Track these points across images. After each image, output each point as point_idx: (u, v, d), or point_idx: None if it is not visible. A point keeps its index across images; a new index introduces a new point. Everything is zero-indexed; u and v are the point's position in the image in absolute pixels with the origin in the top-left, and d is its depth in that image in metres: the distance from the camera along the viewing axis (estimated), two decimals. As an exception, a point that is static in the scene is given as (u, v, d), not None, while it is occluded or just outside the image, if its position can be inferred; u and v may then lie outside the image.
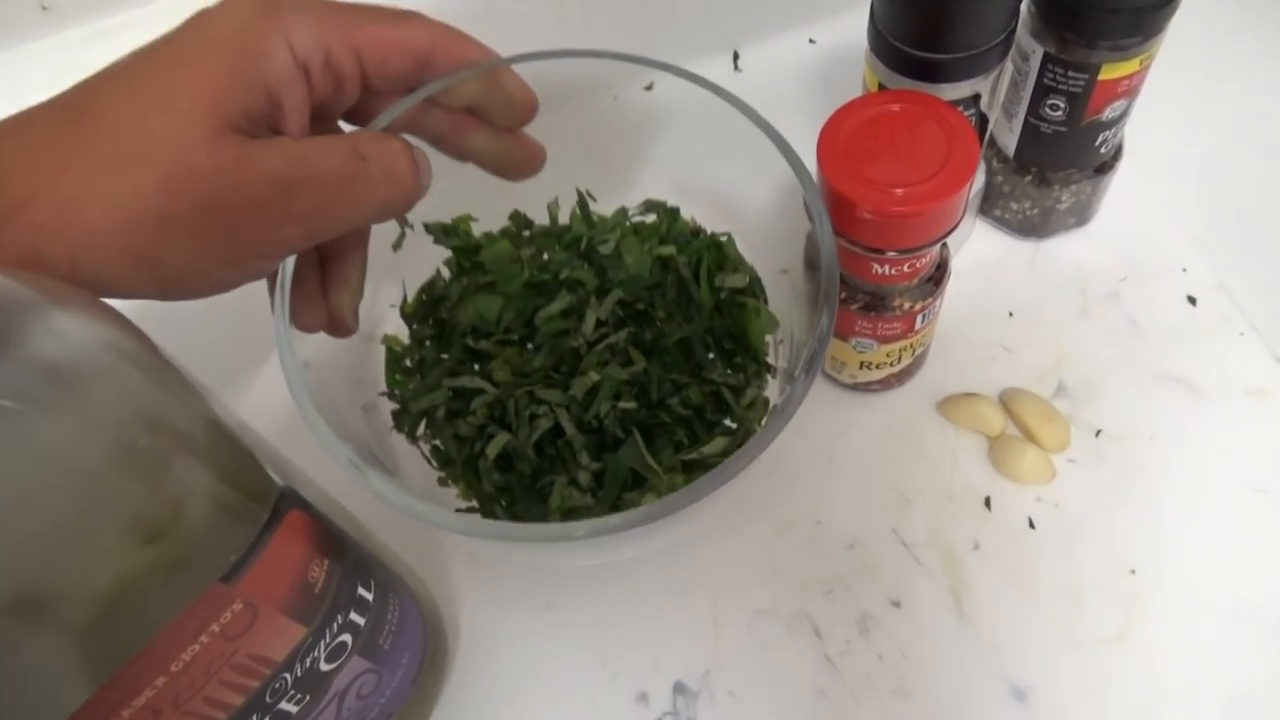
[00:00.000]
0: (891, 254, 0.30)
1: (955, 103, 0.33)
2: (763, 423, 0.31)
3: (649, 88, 0.33)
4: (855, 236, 0.30)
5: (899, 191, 0.28)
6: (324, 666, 0.25)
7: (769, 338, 0.34)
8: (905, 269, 0.31)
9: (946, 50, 0.31)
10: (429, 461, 0.33)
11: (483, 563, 0.37)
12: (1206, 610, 0.33)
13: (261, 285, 0.47)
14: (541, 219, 0.36)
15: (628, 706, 0.34)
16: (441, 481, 0.33)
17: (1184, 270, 0.40)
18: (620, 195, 0.36)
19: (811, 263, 0.34)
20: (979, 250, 0.42)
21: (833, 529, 0.36)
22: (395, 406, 0.33)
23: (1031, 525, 0.36)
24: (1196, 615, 0.33)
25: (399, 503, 0.26)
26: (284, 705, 0.24)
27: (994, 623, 0.34)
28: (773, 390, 0.34)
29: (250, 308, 0.45)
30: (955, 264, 0.35)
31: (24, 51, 0.39)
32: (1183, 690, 0.32)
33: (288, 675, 0.24)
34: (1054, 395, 0.38)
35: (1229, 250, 0.40)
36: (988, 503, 0.36)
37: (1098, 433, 0.37)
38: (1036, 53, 0.34)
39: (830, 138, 0.30)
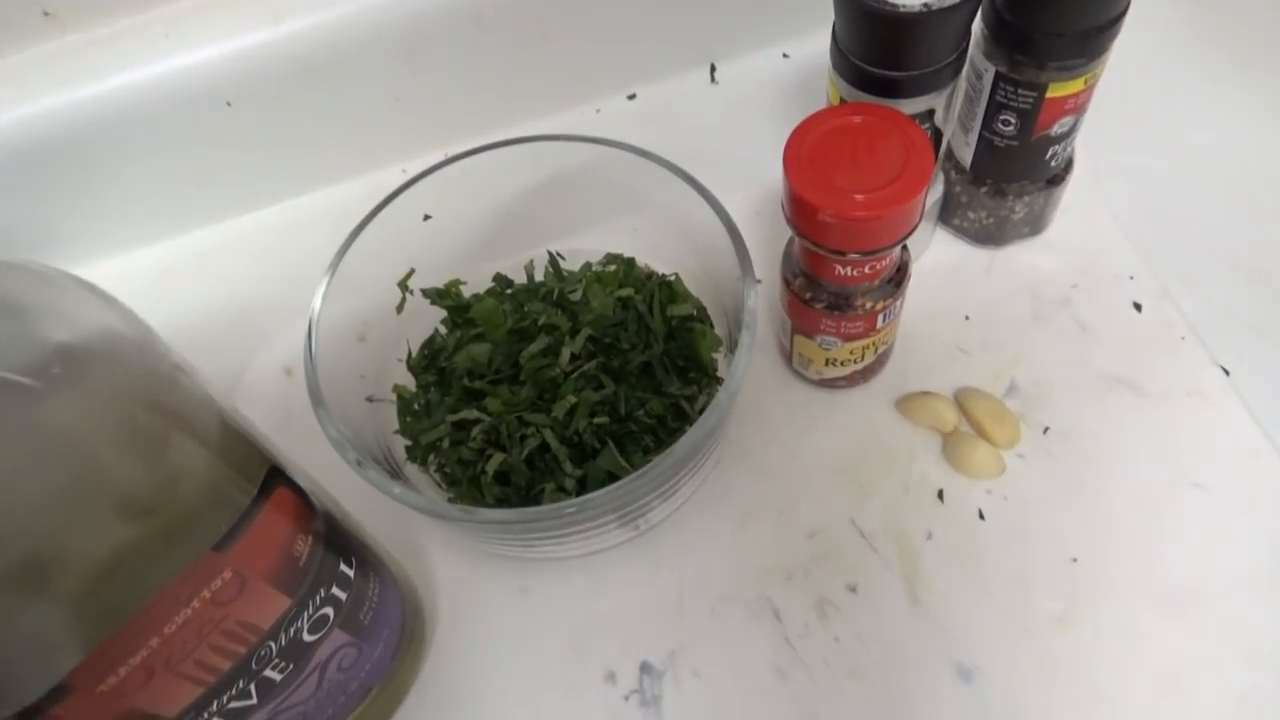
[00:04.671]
0: (853, 255, 0.32)
1: (912, 117, 0.35)
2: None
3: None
4: (819, 239, 0.32)
5: (859, 197, 0.30)
6: (307, 637, 0.27)
7: (715, 354, 0.39)
8: (867, 270, 0.33)
9: (902, 68, 0.33)
10: (439, 485, 0.38)
11: (460, 550, 0.39)
12: (1144, 596, 0.35)
13: (253, 286, 0.49)
14: (520, 279, 0.41)
15: (596, 685, 0.35)
16: (450, 501, 0.37)
17: (1131, 278, 0.42)
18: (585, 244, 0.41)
19: (784, 277, 0.37)
20: (939, 257, 0.44)
21: (794, 519, 0.38)
22: (408, 443, 0.38)
23: (981, 517, 0.38)
24: (1134, 600, 0.35)
25: (401, 498, 0.30)
26: (269, 673, 0.26)
27: (944, 607, 0.36)
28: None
29: (245, 306, 0.47)
30: (916, 270, 0.37)
31: (25, 57, 0.40)
32: (1120, 669, 0.34)
33: (273, 643, 0.25)
34: (1006, 394, 0.40)
35: (1172, 259, 0.43)
36: (941, 495, 0.38)
37: (1046, 430, 0.39)
38: (989, 72, 0.36)
39: (795, 147, 0.31)
